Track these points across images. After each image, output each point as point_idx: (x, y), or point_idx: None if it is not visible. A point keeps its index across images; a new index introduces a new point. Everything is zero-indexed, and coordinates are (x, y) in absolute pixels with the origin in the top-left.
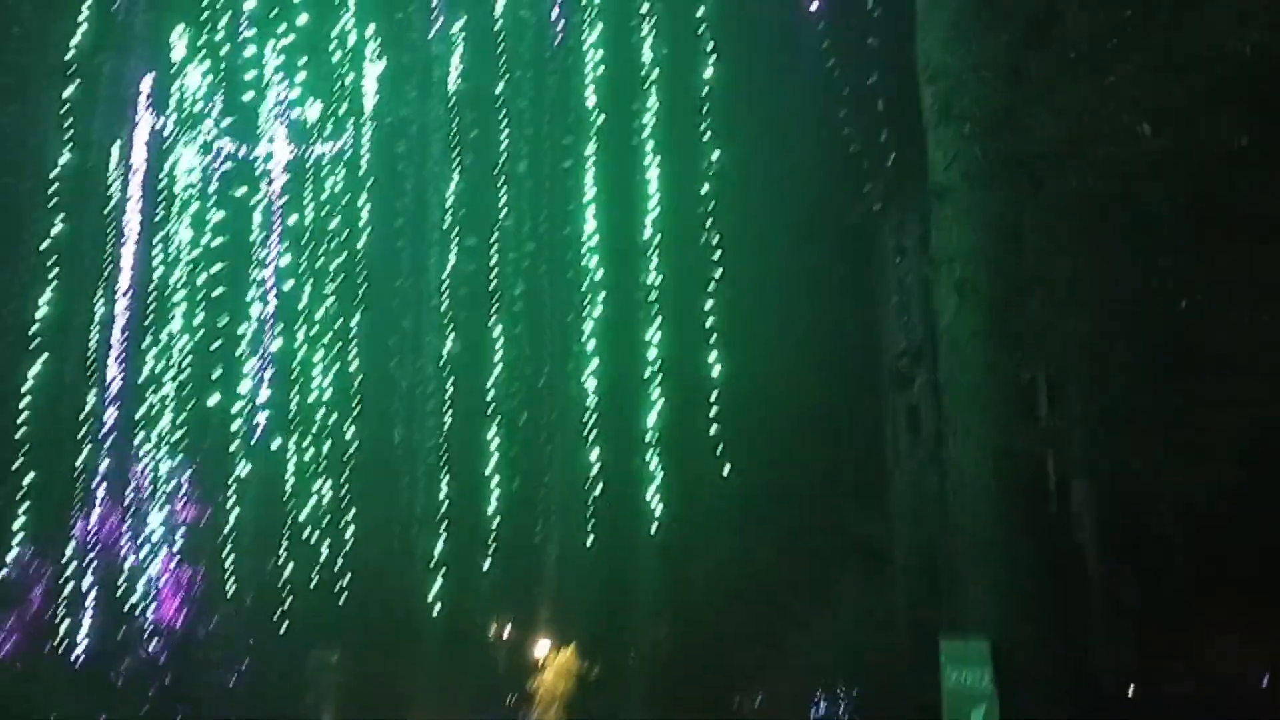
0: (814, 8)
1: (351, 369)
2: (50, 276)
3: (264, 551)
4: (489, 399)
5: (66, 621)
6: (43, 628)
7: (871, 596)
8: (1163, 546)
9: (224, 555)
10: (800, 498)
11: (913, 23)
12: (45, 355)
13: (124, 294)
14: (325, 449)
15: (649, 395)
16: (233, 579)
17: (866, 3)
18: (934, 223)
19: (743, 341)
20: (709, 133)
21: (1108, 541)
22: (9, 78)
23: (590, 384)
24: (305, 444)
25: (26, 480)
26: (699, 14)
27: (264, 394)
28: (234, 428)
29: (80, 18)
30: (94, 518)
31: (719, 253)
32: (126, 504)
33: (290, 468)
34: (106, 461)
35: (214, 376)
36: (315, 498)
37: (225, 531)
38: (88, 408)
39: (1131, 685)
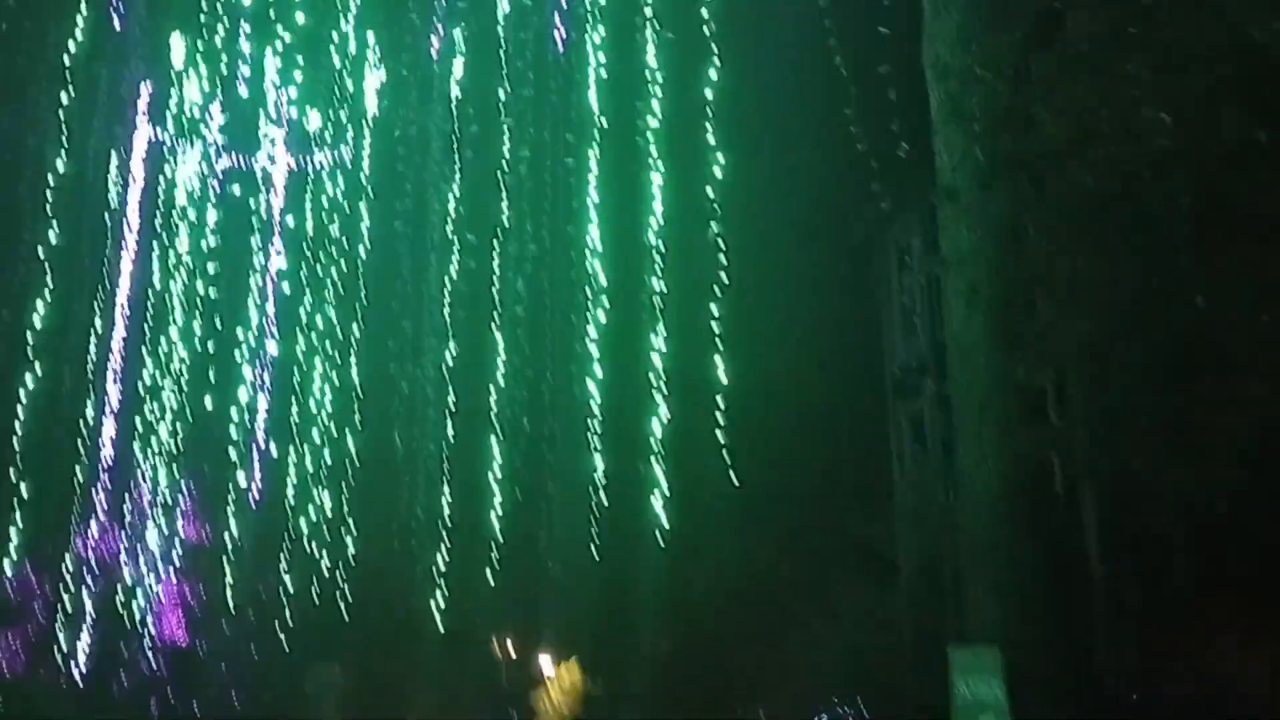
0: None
1: (352, 375)
2: (47, 283)
3: (264, 562)
4: (491, 405)
5: (65, 634)
6: (43, 642)
7: (873, 598)
8: (1164, 547)
9: (224, 567)
10: (804, 501)
11: (920, 22)
12: (42, 363)
13: (122, 302)
14: (326, 456)
15: (653, 401)
16: (232, 591)
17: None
18: (942, 225)
19: (747, 346)
20: (713, 137)
21: (1109, 542)
22: (5, 79)
23: (593, 390)
24: (305, 452)
25: (23, 491)
26: (703, 16)
27: (263, 402)
28: (234, 436)
29: (77, 22)
30: (93, 529)
31: (723, 257)
32: (126, 516)
33: (291, 476)
34: (104, 471)
35: (213, 385)
36: (316, 506)
37: (225, 543)
38: (86, 417)
39: (1133, 685)
